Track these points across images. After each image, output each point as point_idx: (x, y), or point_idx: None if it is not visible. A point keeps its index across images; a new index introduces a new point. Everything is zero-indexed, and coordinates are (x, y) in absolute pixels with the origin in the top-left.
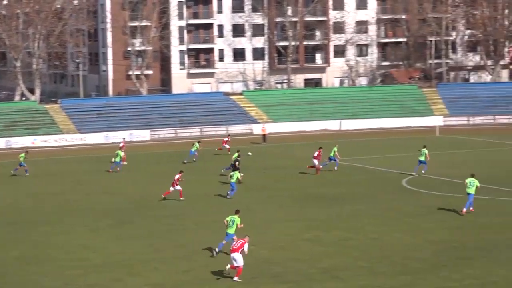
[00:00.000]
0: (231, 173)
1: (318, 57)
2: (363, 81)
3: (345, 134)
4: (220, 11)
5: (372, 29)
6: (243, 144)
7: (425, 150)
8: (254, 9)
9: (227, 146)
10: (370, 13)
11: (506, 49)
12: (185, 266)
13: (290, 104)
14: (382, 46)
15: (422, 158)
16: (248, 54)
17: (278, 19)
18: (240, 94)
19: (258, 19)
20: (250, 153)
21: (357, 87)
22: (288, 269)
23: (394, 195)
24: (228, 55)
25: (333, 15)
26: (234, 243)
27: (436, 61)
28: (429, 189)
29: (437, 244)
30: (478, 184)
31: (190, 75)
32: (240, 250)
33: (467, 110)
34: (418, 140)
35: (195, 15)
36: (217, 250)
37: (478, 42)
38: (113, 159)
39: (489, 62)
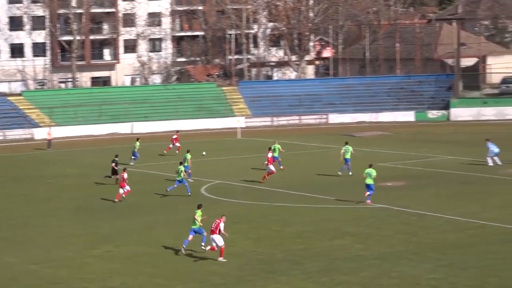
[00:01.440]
0: (177, 169)
1: (107, 53)
2: (157, 79)
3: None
4: None
5: (166, 21)
6: (24, 151)
7: (349, 147)
8: (34, 0)
9: (177, 144)
10: (164, 4)
11: (311, 43)
12: None
13: (76, 106)
14: (177, 41)
15: (348, 156)
16: (28, 50)
17: (61, 11)
18: (19, 94)
19: (39, 10)
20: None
21: (150, 85)
22: None
23: (193, 204)
24: (5, 51)
25: (123, 6)
26: (212, 224)
27: (236, 56)
28: (229, 196)
29: (240, 256)
30: (375, 174)
31: None
32: (218, 230)
33: (271, 110)
34: (217, 144)
35: None
36: (183, 247)
37: (281, 36)
38: None
39: (294, 58)
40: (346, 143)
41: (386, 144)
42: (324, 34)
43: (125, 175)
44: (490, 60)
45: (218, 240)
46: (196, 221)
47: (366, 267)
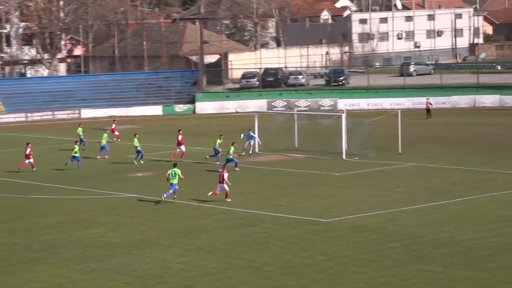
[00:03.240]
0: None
1: None
2: None
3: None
4: None
5: None
6: None
7: (105, 135)
8: None
9: (116, 133)
10: None
11: (62, 42)
12: None
13: None
14: None
15: (104, 142)
16: None
17: None
18: None
19: None
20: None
21: None
22: None
23: None
24: None
25: None
26: (219, 178)
27: None
28: None
29: None
30: (180, 174)
31: None
32: (224, 181)
33: (25, 106)
34: None
35: None
36: (164, 196)
37: (33, 35)
38: None
39: (46, 56)
40: (106, 131)
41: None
42: (75, 33)
43: (28, 150)
44: (231, 57)
45: (224, 187)
46: (175, 178)
47: (119, 254)
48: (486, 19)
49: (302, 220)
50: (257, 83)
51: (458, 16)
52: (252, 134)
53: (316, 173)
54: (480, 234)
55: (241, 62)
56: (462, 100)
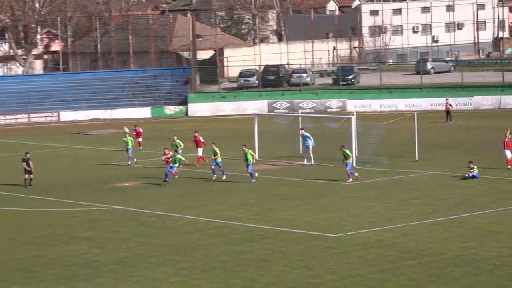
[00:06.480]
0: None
1: None
2: None
3: None
4: None
5: None
6: None
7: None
8: None
9: (139, 139)
10: None
11: (38, 36)
12: None
13: None
14: None
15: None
16: None
17: None
18: None
19: None
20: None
21: None
22: None
23: None
24: None
25: None
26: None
27: None
28: None
29: None
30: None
31: None
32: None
33: None
34: None
35: None
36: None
37: (5, 28)
38: None
39: (20, 52)
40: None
41: (121, 142)
42: (52, 26)
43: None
44: (227, 53)
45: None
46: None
47: (104, 273)
48: None
49: (308, 235)
50: (257, 82)
51: (481, 6)
52: (306, 134)
53: (324, 183)
54: (507, 251)
55: (239, 59)
56: (486, 101)
